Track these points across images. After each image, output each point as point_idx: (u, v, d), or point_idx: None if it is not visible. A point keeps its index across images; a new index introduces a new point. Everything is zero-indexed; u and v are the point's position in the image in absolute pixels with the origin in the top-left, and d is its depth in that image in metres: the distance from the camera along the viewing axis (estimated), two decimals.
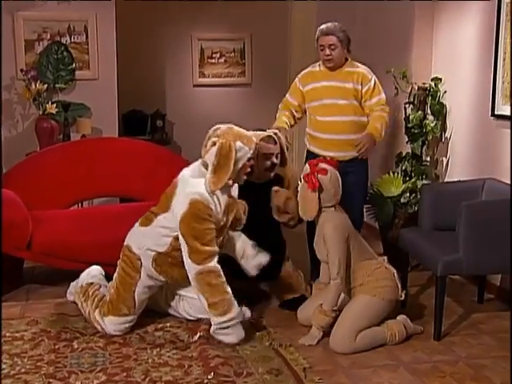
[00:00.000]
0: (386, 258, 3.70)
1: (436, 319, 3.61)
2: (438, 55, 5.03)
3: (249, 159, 3.64)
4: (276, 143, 4.03)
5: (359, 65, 4.29)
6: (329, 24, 4.21)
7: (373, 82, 4.21)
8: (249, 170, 3.69)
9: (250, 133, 3.72)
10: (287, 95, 4.42)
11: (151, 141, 6.22)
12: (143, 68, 7.38)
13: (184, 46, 7.62)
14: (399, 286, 3.59)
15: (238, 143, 3.57)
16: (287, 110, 4.38)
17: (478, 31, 4.50)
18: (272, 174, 4.05)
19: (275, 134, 4.06)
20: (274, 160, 4.02)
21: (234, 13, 7.50)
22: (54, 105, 5.67)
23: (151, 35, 7.40)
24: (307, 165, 3.69)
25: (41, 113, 5.68)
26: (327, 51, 4.15)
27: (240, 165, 3.59)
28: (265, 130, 4.09)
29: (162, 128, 7.42)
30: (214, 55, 7.71)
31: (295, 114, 4.37)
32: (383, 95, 4.23)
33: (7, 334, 3.60)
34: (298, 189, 3.69)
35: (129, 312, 3.64)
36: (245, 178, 3.71)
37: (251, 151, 3.62)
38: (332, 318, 3.49)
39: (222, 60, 7.72)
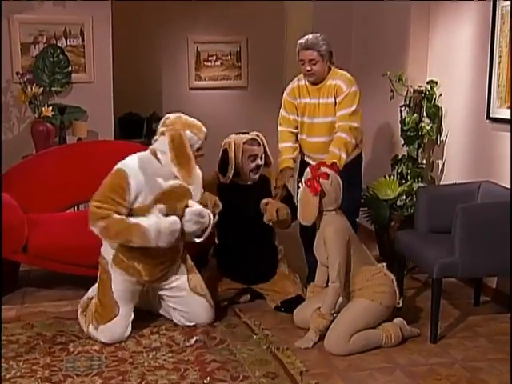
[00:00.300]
0: (385, 264, 3.70)
1: (432, 322, 3.61)
2: (433, 58, 5.03)
3: (197, 149, 3.73)
4: (260, 145, 4.12)
5: (341, 73, 4.16)
6: (310, 36, 4.09)
7: (344, 94, 4.04)
8: (198, 158, 3.74)
9: (197, 123, 3.79)
10: (283, 112, 4.30)
11: (147, 144, 6.19)
12: (139, 71, 7.38)
13: (180, 48, 7.62)
14: (397, 292, 3.60)
15: (188, 132, 3.69)
16: (289, 137, 4.25)
17: (473, 34, 4.50)
18: (257, 175, 4.13)
19: (257, 135, 4.15)
20: (259, 161, 4.12)
21: (230, 16, 7.50)
22: (50, 108, 5.66)
23: (147, 38, 7.40)
24: (308, 169, 3.67)
25: (37, 116, 5.67)
26: (307, 66, 4.05)
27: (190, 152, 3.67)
28: (247, 133, 4.17)
29: None
30: (210, 58, 7.71)
31: (296, 132, 4.27)
32: (352, 108, 4.02)
33: (2, 338, 3.59)
34: (299, 192, 3.67)
35: (114, 315, 3.59)
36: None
37: (200, 141, 3.71)
38: (330, 321, 3.49)
39: (218, 63, 7.72)
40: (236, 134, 4.20)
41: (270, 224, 4.03)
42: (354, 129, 4.04)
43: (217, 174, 4.22)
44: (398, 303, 3.61)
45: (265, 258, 4.13)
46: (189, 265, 3.85)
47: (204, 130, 3.79)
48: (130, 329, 3.65)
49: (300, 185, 3.69)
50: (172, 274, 3.76)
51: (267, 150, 4.18)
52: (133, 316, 3.68)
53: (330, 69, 4.14)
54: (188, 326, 3.76)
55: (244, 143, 4.10)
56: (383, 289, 3.55)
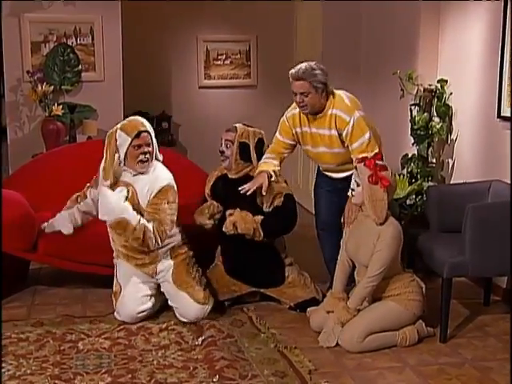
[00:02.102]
0: (412, 270, 3.69)
1: (442, 321, 3.61)
2: (443, 57, 5.01)
3: (136, 147, 3.73)
4: (233, 132, 4.09)
5: (340, 100, 3.83)
6: (302, 66, 3.79)
7: (351, 126, 3.75)
8: (141, 157, 3.74)
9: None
10: (278, 135, 4.07)
11: (156, 142, 6.22)
12: (149, 70, 7.38)
13: (189, 47, 7.62)
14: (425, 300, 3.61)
15: (119, 131, 3.76)
16: (278, 155, 4.04)
17: (484, 33, 4.48)
18: (225, 164, 4.09)
19: (260, 133, 4.13)
20: (221, 147, 4.10)
21: (239, 14, 7.50)
22: (60, 106, 5.69)
23: (157, 37, 7.41)
24: (363, 166, 3.54)
25: (47, 114, 5.70)
26: (299, 98, 3.77)
27: (122, 152, 3.73)
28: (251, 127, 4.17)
29: (168, 130, 7.42)
30: (219, 57, 7.70)
31: (285, 154, 4.08)
32: (366, 137, 3.75)
33: (12, 335, 3.61)
34: (364, 193, 3.52)
35: (121, 296, 3.88)
36: (141, 167, 3.75)
37: (130, 139, 3.71)
38: (354, 316, 3.49)
39: (227, 62, 7.71)
40: (244, 124, 4.22)
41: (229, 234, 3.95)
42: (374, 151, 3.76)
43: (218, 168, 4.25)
44: (424, 311, 3.61)
45: (264, 259, 4.05)
46: (178, 260, 3.86)
47: (140, 128, 3.78)
48: (145, 305, 3.83)
49: (355, 185, 3.57)
50: (160, 268, 3.84)
51: (252, 147, 4.06)
52: (149, 293, 3.85)
53: (328, 97, 3.83)
54: (196, 324, 3.77)
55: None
56: (418, 297, 3.56)
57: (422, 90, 4.90)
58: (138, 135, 3.75)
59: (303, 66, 3.80)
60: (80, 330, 3.71)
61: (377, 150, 3.76)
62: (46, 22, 5.85)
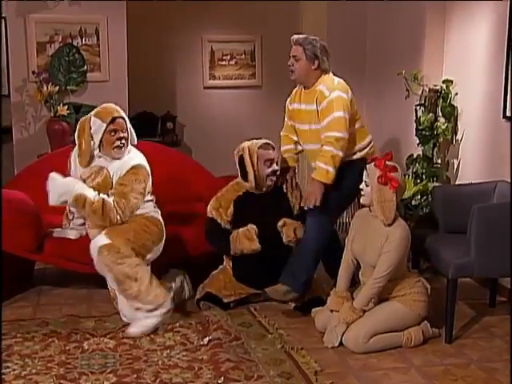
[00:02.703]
0: (417, 270, 3.68)
1: (447, 322, 3.60)
2: (449, 57, 5.01)
3: (112, 132, 3.77)
4: (274, 149, 4.07)
5: (330, 79, 3.92)
6: (305, 34, 4.02)
7: (326, 101, 3.79)
8: (117, 143, 3.77)
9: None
10: (286, 118, 4.24)
11: (161, 143, 6.23)
12: (154, 70, 7.38)
13: (194, 47, 7.61)
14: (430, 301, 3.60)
15: (93, 117, 3.80)
16: (289, 142, 4.21)
17: (489, 33, 4.47)
18: (273, 182, 4.07)
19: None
20: (275, 166, 4.05)
21: (244, 15, 7.49)
22: (66, 107, 5.69)
23: (162, 37, 7.41)
24: (372, 166, 3.52)
25: (52, 115, 5.70)
26: (290, 61, 3.94)
27: (97, 139, 3.77)
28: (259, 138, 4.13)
29: (173, 130, 7.42)
30: (224, 57, 7.70)
31: (295, 138, 4.19)
32: (334, 115, 3.75)
33: (18, 335, 3.62)
34: (372, 194, 3.51)
35: None
36: (118, 153, 3.79)
37: (105, 124, 3.76)
38: (359, 316, 3.48)
39: (232, 62, 7.71)
40: (248, 140, 4.15)
41: (291, 244, 4.01)
42: (340, 139, 3.74)
43: (234, 185, 4.17)
44: (429, 312, 3.60)
45: (281, 266, 4.03)
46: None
47: (114, 114, 3.82)
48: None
49: (364, 185, 3.56)
50: None
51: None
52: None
53: (321, 74, 3.93)
54: (201, 325, 3.77)
55: (259, 148, 4.06)
56: (423, 298, 3.55)
57: (428, 90, 4.90)
58: (112, 121, 3.80)
59: (306, 35, 4.01)
60: (85, 330, 3.71)
61: (339, 134, 3.75)
62: (52, 23, 5.85)
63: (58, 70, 5.84)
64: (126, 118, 3.91)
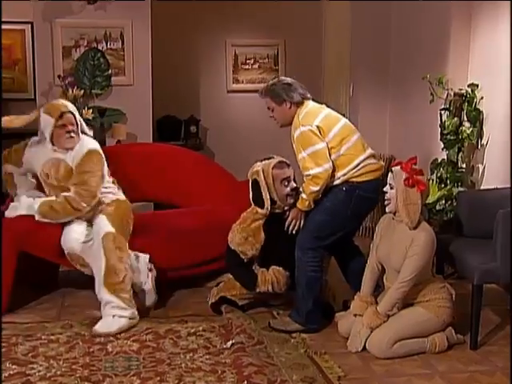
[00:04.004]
0: (441, 276, 3.66)
1: (472, 328, 3.56)
2: (474, 60, 4.96)
3: (61, 127, 3.98)
4: (289, 166, 3.95)
5: (297, 116, 3.78)
6: (266, 84, 3.97)
7: (294, 140, 3.74)
8: (67, 135, 3.99)
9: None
10: None
11: (185, 146, 6.26)
12: (178, 74, 7.43)
13: (218, 52, 7.65)
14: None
15: (42, 114, 4.04)
16: None
17: None
18: (293, 199, 3.89)
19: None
20: (293, 184, 3.92)
21: (267, 19, 7.51)
22: (91, 110, 5.75)
23: (186, 41, 7.45)
24: (399, 169, 3.51)
25: None
26: (270, 114, 3.91)
27: (47, 133, 4.01)
28: (272, 158, 3.98)
29: (196, 134, 7.46)
30: (247, 61, 7.72)
31: None
32: (301, 155, 3.68)
33: (43, 337, 3.65)
34: (398, 196, 3.49)
35: None
36: (69, 143, 4.01)
37: (53, 119, 3.97)
38: (383, 321, 3.46)
39: (255, 66, 7.73)
40: (260, 161, 3.99)
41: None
42: (313, 177, 3.65)
43: (254, 213, 3.99)
44: (454, 318, 3.58)
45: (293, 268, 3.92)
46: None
47: (62, 109, 4.04)
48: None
49: (389, 188, 3.55)
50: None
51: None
52: None
53: (297, 109, 3.81)
54: (224, 328, 3.77)
55: (273, 168, 3.90)
56: (448, 304, 3.53)
57: (453, 94, 4.86)
58: (60, 116, 4.01)
59: (268, 83, 3.96)
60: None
61: (309, 172, 3.66)
62: (77, 27, 5.92)
63: (83, 74, 5.91)
64: (75, 112, 4.13)
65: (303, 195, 3.76)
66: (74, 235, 4.00)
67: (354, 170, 3.75)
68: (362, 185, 3.75)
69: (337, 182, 3.76)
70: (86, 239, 3.99)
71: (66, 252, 4.02)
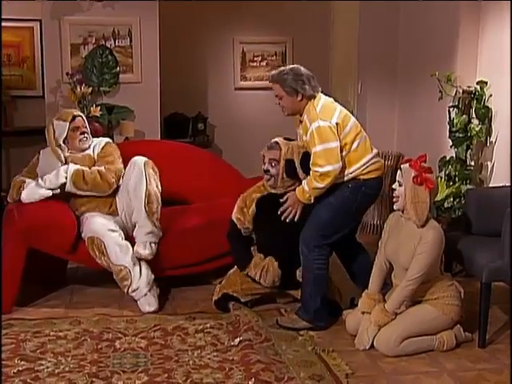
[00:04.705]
0: (449, 274, 3.65)
1: (481, 326, 3.55)
2: (483, 58, 4.94)
3: (75, 129, 4.26)
4: (279, 149, 3.93)
5: (312, 107, 3.74)
6: (278, 69, 3.88)
7: (309, 134, 3.69)
8: (81, 137, 4.27)
9: None
10: None
11: (192, 143, 6.27)
12: (185, 71, 7.43)
13: (226, 49, 7.65)
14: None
15: (55, 121, 4.28)
16: None
17: None
18: (270, 182, 3.95)
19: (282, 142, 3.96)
20: (265, 166, 3.95)
21: (275, 16, 7.51)
22: (99, 107, 5.76)
23: (193, 39, 7.46)
24: (408, 166, 3.50)
25: (85, 115, 5.76)
26: (276, 100, 3.85)
27: (61, 138, 4.25)
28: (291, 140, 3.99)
29: (204, 131, 7.46)
30: (255, 58, 7.72)
31: None
32: (315, 149, 3.64)
33: (51, 333, 3.67)
34: (406, 193, 3.48)
35: None
36: (84, 143, 4.31)
37: (67, 123, 4.24)
38: (391, 319, 3.46)
39: (263, 63, 7.73)
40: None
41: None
42: (323, 175, 3.63)
43: (260, 186, 4.10)
44: (462, 316, 3.57)
45: (294, 264, 3.96)
46: None
47: (73, 113, 4.34)
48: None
49: (397, 185, 3.53)
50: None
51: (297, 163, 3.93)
52: None
53: (307, 102, 3.77)
54: (232, 325, 3.77)
55: (266, 146, 4.02)
56: (456, 302, 3.52)
57: (461, 91, 4.84)
58: (73, 119, 4.28)
59: (279, 69, 3.89)
60: (117, 329, 3.74)
61: (321, 170, 3.62)
62: (86, 25, 5.94)
63: (91, 72, 5.92)
64: (84, 117, 4.41)
65: (305, 187, 3.73)
66: (102, 221, 4.09)
67: (363, 168, 3.75)
68: (367, 182, 3.75)
69: (344, 179, 3.75)
70: (113, 228, 4.07)
71: (86, 237, 4.06)
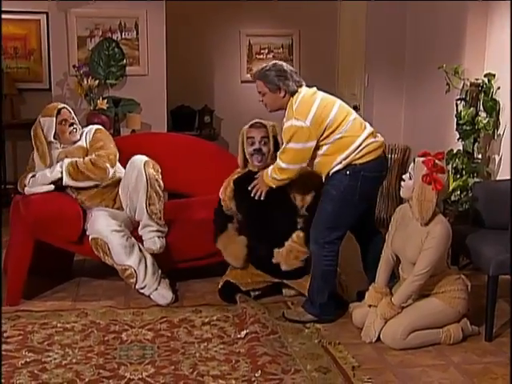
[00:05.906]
0: (456, 267, 3.63)
1: (487, 320, 3.55)
2: (491, 50, 4.91)
3: (62, 122, 4.22)
4: (265, 127, 4.05)
5: (291, 103, 3.72)
6: (260, 66, 3.88)
7: (283, 128, 3.71)
8: (70, 129, 4.24)
9: None
10: None
11: (199, 136, 6.26)
12: (192, 64, 7.43)
13: (232, 41, 7.64)
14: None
15: (41, 119, 4.24)
16: None
17: None
18: (260, 163, 4.03)
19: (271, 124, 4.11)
20: (257, 145, 4.04)
21: (282, 9, 7.49)
22: (105, 100, 5.77)
23: (200, 31, 7.44)
24: (421, 163, 3.45)
25: (92, 108, 5.78)
26: (260, 98, 3.86)
27: (51, 135, 4.22)
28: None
29: (210, 124, 7.46)
30: (262, 51, 7.71)
31: None
32: (288, 145, 3.63)
33: (58, 325, 3.68)
34: (414, 189, 3.45)
35: None
36: (74, 136, 4.27)
37: (54, 117, 4.20)
38: (398, 312, 3.46)
39: (270, 56, 7.71)
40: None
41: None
42: (283, 170, 3.69)
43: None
44: (469, 310, 3.57)
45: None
46: None
47: (57, 106, 4.28)
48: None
49: (408, 177, 3.50)
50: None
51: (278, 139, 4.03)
52: None
53: (290, 98, 3.74)
54: (238, 317, 3.78)
55: (249, 127, 4.11)
56: (463, 295, 3.51)
57: (469, 84, 4.82)
58: (59, 112, 4.24)
59: (262, 66, 3.87)
60: (123, 321, 3.76)
61: (283, 165, 3.68)
62: (92, 17, 5.94)
63: (97, 64, 5.92)
64: (69, 109, 4.36)
65: (268, 171, 3.81)
66: (105, 221, 4.04)
67: (356, 152, 3.65)
68: (365, 166, 3.66)
69: (339, 166, 3.67)
70: (117, 228, 4.03)
71: (90, 237, 4.05)
